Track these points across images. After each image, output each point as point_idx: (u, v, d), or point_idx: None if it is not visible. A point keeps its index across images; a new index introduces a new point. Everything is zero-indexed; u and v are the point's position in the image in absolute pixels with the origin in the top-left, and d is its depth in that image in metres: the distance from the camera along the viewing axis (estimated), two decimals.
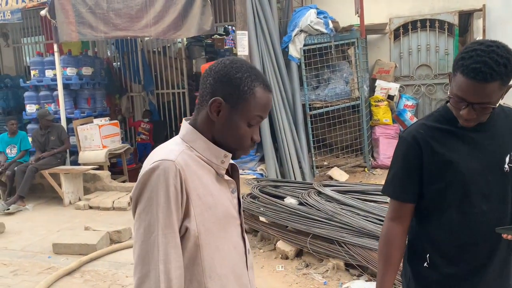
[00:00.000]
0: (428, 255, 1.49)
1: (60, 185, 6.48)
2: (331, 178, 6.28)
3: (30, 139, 7.02)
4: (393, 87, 7.23)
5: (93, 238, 4.69)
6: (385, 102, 7.11)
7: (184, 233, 1.13)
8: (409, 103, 7.28)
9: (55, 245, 4.68)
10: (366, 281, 3.51)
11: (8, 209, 6.15)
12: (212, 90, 1.19)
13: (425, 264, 1.49)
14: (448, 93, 1.41)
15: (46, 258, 4.55)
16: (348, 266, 3.72)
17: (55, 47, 6.84)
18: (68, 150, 6.96)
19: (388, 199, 4.10)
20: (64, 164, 6.83)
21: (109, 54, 9.63)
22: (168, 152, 1.16)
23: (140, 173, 1.16)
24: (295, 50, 6.47)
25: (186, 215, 1.13)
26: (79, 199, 6.55)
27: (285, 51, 6.52)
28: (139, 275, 1.10)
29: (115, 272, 4.11)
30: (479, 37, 6.92)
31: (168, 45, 9.12)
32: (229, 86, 1.17)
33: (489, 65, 1.27)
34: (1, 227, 5.45)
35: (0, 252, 4.80)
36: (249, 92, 1.17)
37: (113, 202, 6.13)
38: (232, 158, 1.25)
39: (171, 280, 1.08)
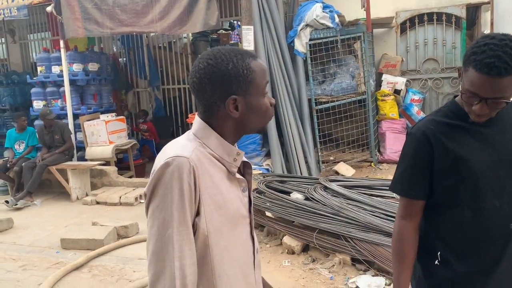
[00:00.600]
0: (439, 252, 1.48)
1: (67, 180, 6.52)
2: (337, 173, 6.27)
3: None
4: (400, 81, 7.19)
5: (100, 233, 4.72)
6: (392, 97, 7.07)
7: (194, 231, 1.13)
8: (416, 97, 7.24)
9: (63, 240, 4.72)
10: (373, 276, 3.51)
11: (17, 204, 6.21)
12: (218, 94, 1.17)
13: (436, 262, 1.48)
14: (460, 89, 1.40)
15: (54, 253, 4.59)
16: (354, 261, 3.71)
17: (61, 43, 6.86)
18: (75, 146, 7.01)
19: (395, 194, 4.10)
20: (71, 160, 6.87)
21: (115, 50, 9.65)
22: (182, 148, 1.15)
23: (153, 168, 1.15)
24: (300, 45, 6.44)
25: (197, 213, 1.13)
26: (86, 195, 6.59)
27: (290, 46, 6.49)
28: (153, 271, 1.09)
29: (123, 267, 4.14)
30: (487, 30, 6.85)
31: (174, 40, 9.12)
32: (232, 81, 1.16)
33: (503, 59, 1.25)
34: (10, 222, 5.50)
35: (9, 247, 4.85)
36: (249, 72, 1.17)
37: (120, 197, 6.17)
38: (261, 132, 1.26)
39: (186, 277, 1.08)
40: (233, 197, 1.20)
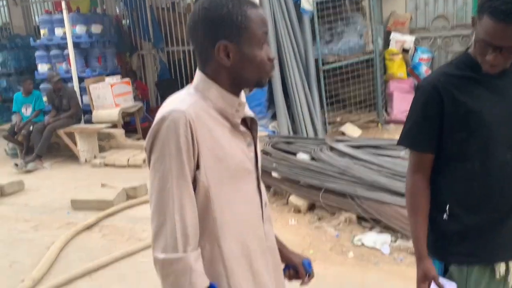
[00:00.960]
0: (447, 206, 1.47)
1: (75, 144, 6.58)
2: (343, 134, 6.26)
3: (44, 98, 7.09)
4: (408, 40, 7.03)
5: (110, 194, 4.80)
6: (400, 56, 6.94)
7: (195, 185, 1.14)
8: (425, 56, 7.09)
9: (73, 202, 4.80)
10: (379, 233, 3.55)
11: (26, 167, 6.30)
12: (210, 39, 1.14)
13: (444, 216, 1.48)
14: (473, 38, 1.36)
15: (65, 214, 4.69)
16: (360, 219, 3.76)
17: (63, 4, 6.73)
18: (81, 109, 7.03)
19: (401, 154, 4.10)
20: (79, 124, 6.91)
21: (117, 11, 9.48)
22: (179, 102, 1.14)
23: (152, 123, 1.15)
24: (307, 3, 6.27)
25: (196, 166, 1.13)
26: (95, 157, 6.65)
27: (297, 4, 6.33)
28: (156, 224, 1.13)
29: (132, 226, 4.22)
30: None
31: (177, 0, 8.93)
32: (223, 25, 1.12)
33: None
34: (21, 185, 5.60)
35: (20, 208, 4.95)
36: (244, 18, 1.13)
37: (128, 159, 6.22)
38: (260, 87, 1.22)
39: (187, 228, 1.11)
40: (236, 152, 1.19)
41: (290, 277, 1.44)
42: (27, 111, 6.98)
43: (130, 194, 4.93)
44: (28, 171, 6.28)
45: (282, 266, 1.41)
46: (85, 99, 7.22)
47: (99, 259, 3.51)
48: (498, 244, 1.45)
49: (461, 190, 1.45)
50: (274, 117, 6.41)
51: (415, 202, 1.52)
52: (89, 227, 4.24)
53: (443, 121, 1.43)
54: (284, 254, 1.43)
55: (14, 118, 7.13)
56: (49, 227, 4.36)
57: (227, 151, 1.16)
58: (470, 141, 1.41)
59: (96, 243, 3.95)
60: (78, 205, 4.77)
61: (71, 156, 6.77)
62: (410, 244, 3.32)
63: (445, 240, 1.49)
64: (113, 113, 6.88)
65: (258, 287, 1.23)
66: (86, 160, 6.59)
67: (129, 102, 7.23)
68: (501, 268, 1.46)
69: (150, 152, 1.13)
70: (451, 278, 1.49)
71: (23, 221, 4.58)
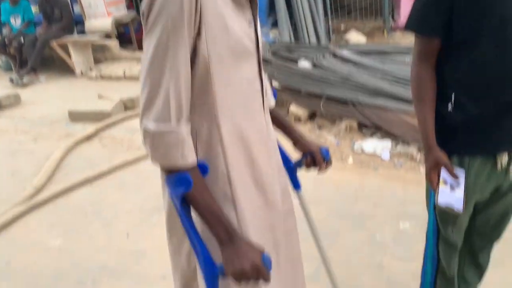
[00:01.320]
0: (453, 93, 1.38)
1: (69, 56, 6.38)
2: (348, 42, 6.01)
3: (33, 8, 6.75)
4: None
5: (107, 105, 4.73)
6: None
7: (194, 57, 1.03)
8: None
9: (71, 114, 4.74)
10: (379, 139, 3.50)
11: (22, 80, 6.16)
12: None
13: (449, 106, 1.40)
14: None
15: (63, 125, 4.65)
16: (361, 126, 3.70)
17: None
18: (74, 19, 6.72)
19: (406, 59, 3.92)
20: (71, 34, 6.64)
21: None
22: None
23: None
24: None
25: (197, 35, 1.02)
26: (90, 69, 6.49)
27: None
28: (148, 91, 1.01)
29: (131, 137, 4.20)
30: None
31: None
32: None
33: None
34: (17, 98, 5.51)
35: (18, 121, 4.91)
36: None
37: (124, 71, 6.06)
38: None
39: (181, 98, 1.02)
40: (237, 28, 1.08)
41: (308, 165, 1.43)
42: (16, 22, 6.68)
43: (127, 105, 4.86)
44: (24, 85, 6.15)
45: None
46: (76, 8, 6.87)
47: (99, 167, 3.53)
48: (502, 135, 1.38)
49: (469, 77, 1.35)
50: (274, 25, 6.12)
51: (421, 92, 1.43)
52: (88, 138, 4.21)
53: (454, 1, 1.29)
54: (302, 142, 1.43)
55: (4, 30, 6.85)
56: (48, 139, 4.34)
57: (230, 26, 1.05)
58: (481, 23, 1.28)
59: (96, 153, 3.95)
60: (76, 117, 4.71)
61: (66, 69, 6.61)
62: (410, 149, 3.30)
63: (448, 131, 1.42)
64: (106, 23, 6.57)
65: (256, 173, 1.17)
66: (81, 73, 6.43)
67: (122, 11, 6.88)
68: (503, 159, 1.41)
69: (147, 14, 1.00)
70: None
71: (22, 133, 4.56)
